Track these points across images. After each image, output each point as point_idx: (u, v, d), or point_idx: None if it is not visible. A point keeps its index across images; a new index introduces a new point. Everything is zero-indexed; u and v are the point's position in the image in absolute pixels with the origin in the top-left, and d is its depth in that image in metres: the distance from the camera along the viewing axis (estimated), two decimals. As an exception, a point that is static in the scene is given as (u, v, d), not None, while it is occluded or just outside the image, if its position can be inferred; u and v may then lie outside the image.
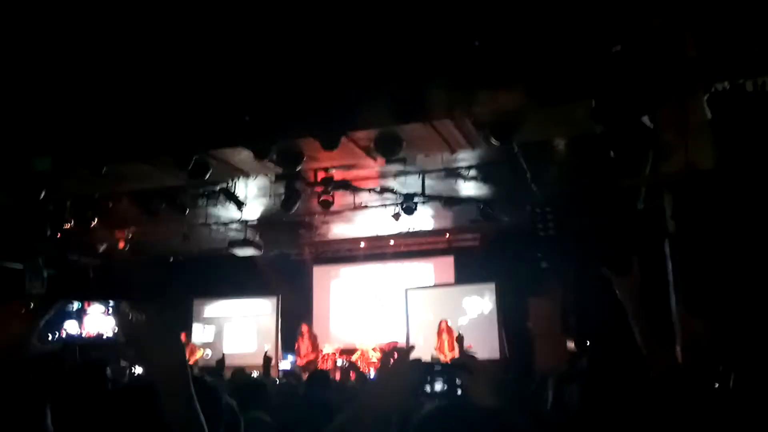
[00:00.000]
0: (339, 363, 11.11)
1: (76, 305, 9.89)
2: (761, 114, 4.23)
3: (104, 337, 9.83)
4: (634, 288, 2.14)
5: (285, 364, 11.72)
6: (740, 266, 3.44)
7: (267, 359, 10.64)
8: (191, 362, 10.02)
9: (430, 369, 1.50)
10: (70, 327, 9.88)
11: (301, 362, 11.34)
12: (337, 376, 9.96)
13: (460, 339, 10.38)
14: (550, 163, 7.50)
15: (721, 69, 4.40)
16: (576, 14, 4.86)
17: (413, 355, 1.53)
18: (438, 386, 1.46)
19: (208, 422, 1.40)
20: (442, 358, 9.92)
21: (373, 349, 11.44)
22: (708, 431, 1.54)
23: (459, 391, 1.46)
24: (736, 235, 3.50)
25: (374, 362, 11.18)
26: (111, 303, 9.89)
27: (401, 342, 11.60)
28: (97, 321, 10.14)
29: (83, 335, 9.78)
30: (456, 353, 10.27)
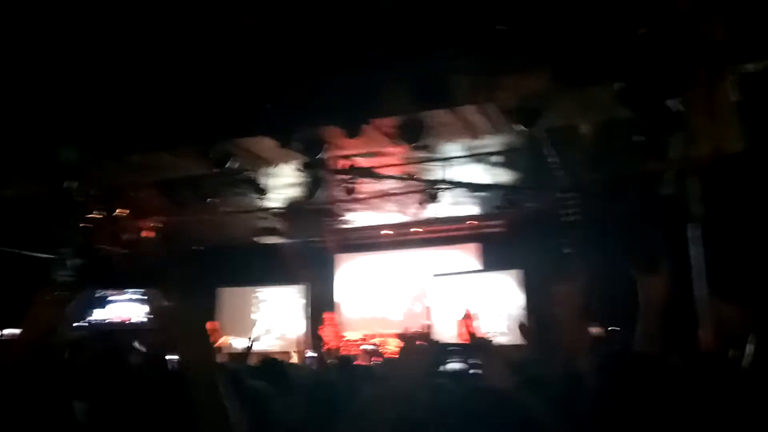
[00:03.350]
0: (363, 349, 11.17)
1: (102, 292, 10.05)
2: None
3: (129, 323, 9.98)
4: (662, 290, 2.02)
5: (312, 352, 11.78)
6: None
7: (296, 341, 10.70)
8: (217, 345, 10.14)
9: (446, 349, 1.51)
10: (97, 314, 10.04)
11: (324, 349, 11.42)
12: (362, 362, 10.01)
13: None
14: (575, 149, 7.43)
15: (749, 51, 4.31)
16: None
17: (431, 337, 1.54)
18: (454, 366, 1.47)
19: (235, 409, 1.41)
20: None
21: (396, 336, 11.47)
22: (737, 417, 1.52)
23: (474, 371, 1.47)
24: (764, 218, 3.44)
25: (397, 349, 11.18)
26: (138, 290, 10.02)
27: (424, 330, 11.62)
28: (124, 308, 10.28)
29: (109, 321, 9.94)
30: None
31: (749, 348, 1.53)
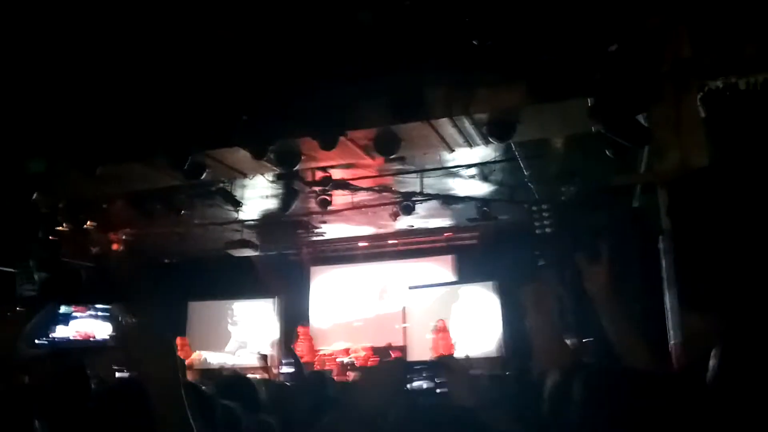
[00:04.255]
0: (338, 361, 11.11)
1: (64, 309, 9.80)
2: (754, 112, 4.25)
3: (93, 340, 9.74)
4: (603, 276, 2.09)
5: (286, 366, 11.60)
6: (735, 262, 3.45)
7: (263, 358, 10.60)
8: (187, 364, 9.97)
9: (411, 368, 1.50)
10: (59, 331, 9.78)
11: (298, 363, 11.30)
12: (336, 377, 9.95)
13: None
14: (548, 162, 7.51)
15: (714, 68, 4.43)
16: (573, 14, 4.87)
17: (408, 354, 1.54)
18: (419, 384, 1.46)
19: (203, 429, 1.38)
20: (438, 357, 9.92)
21: (368, 349, 11.43)
22: (708, 427, 1.53)
23: (439, 390, 1.46)
24: (730, 231, 3.51)
25: (366, 358, 11.17)
26: (101, 306, 9.81)
27: (398, 343, 11.62)
28: (87, 325, 10.03)
29: (72, 339, 9.70)
30: (453, 352, 10.30)
31: (712, 362, 1.54)
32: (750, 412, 1.44)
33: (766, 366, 1.45)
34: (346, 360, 11.21)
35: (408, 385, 1.49)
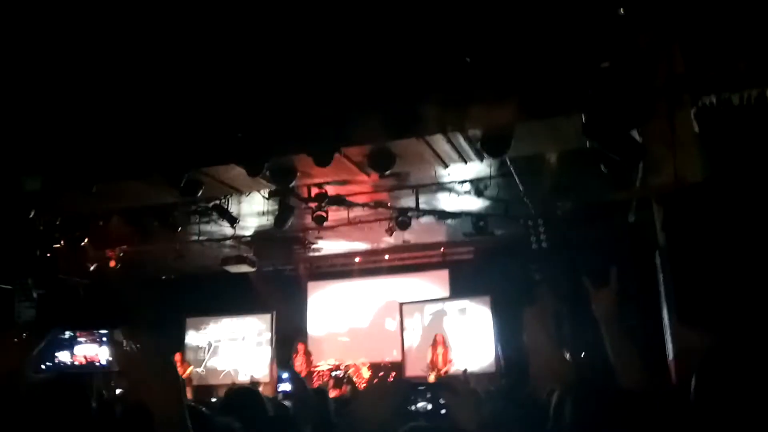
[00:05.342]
0: (334, 376, 11.07)
1: (67, 334, 9.78)
2: (747, 127, 4.29)
3: (97, 364, 9.71)
4: (610, 300, 2.12)
5: (283, 384, 11.51)
6: (731, 276, 3.47)
7: (254, 384, 10.45)
8: (184, 377, 9.91)
9: (413, 388, 1.50)
10: (63, 356, 9.76)
11: (297, 379, 11.23)
12: (332, 392, 9.90)
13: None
14: (543, 177, 7.54)
15: (708, 83, 4.46)
16: (565, 31, 4.91)
17: (405, 369, 1.54)
18: (422, 405, 1.46)
19: None
20: (435, 372, 9.91)
21: (366, 365, 11.41)
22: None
23: (443, 411, 1.46)
24: (725, 245, 3.54)
25: (368, 378, 11.15)
26: (104, 331, 9.78)
27: (395, 357, 11.58)
28: (91, 349, 10.00)
29: (76, 364, 9.67)
30: (449, 367, 10.28)
31: (694, 380, 1.55)
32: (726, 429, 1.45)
33: (742, 385, 1.46)
34: (341, 374, 11.18)
35: (410, 407, 1.49)
